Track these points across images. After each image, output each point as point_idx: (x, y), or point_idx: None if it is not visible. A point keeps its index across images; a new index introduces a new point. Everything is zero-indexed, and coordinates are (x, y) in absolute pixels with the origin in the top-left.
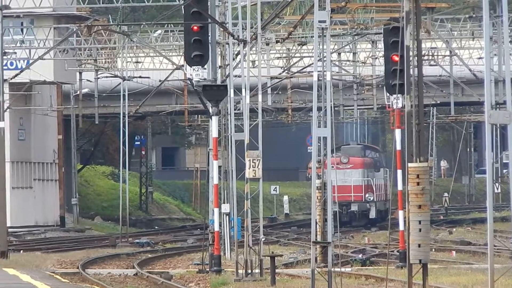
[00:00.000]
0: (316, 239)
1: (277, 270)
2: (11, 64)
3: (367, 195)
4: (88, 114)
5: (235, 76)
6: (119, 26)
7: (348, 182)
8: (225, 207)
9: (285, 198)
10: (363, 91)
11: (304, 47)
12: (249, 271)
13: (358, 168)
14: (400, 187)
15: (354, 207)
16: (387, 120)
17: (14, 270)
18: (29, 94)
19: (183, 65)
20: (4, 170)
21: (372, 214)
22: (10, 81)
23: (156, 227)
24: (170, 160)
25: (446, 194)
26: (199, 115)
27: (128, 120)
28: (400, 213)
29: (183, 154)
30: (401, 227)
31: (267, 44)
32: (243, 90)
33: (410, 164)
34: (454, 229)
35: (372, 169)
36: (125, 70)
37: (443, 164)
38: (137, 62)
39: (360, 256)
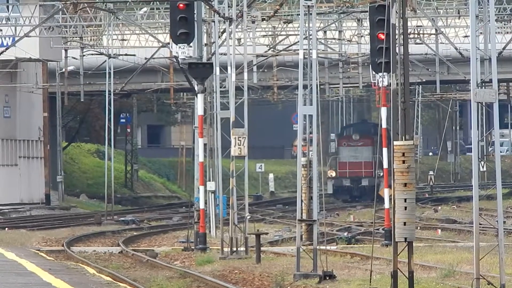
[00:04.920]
0: (301, 217)
1: (262, 248)
2: None
3: (377, 171)
4: (74, 92)
5: (221, 54)
6: (105, 3)
7: (359, 158)
8: (211, 185)
9: (271, 176)
10: (348, 69)
11: (290, 25)
12: (234, 249)
13: (369, 145)
14: (386, 165)
15: (364, 182)
16: (372, 99)
17: None
18: (15, 71)
19: (169, 43)
20: None
21: None
22: None
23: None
24: (156, 138)
25: (431, 172)
26: (185, 93)
27: (113, 97)
28: (386, 191)
29: (168, 132)
30: (387, 205)
31: (253, 22)
32: (229, 68)
33: (395, 142)
34: (440, 207)
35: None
36: (111, 47)
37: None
38: (122, 39)
39: (345, 234)
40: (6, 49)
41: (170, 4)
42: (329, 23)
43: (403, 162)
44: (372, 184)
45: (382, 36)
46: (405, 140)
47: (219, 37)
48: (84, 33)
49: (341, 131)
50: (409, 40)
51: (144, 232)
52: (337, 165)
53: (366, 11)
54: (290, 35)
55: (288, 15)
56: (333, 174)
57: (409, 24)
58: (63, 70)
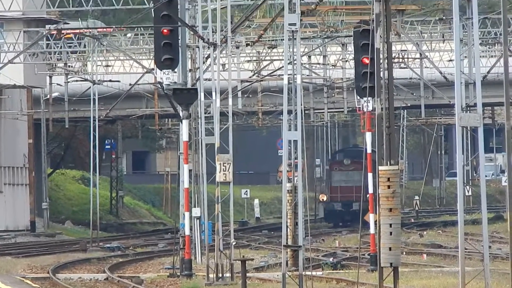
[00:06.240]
0: (287, 243)
1: (248, 274)
2: None
3: (368, 195)
4: (58, 118)
5: (205, 79)
6: (89, 29)
7: (350, 183)
8: (196, 211)
9: (256, 201)
10: (333, 94)
11: (274, 50)
12: (220, 275)
13: (360, 170)
14: (371, 190)
15: (356, 207)
16: (357, 123)
17: None
18: None
19: (153, 69)
20: None
21: None
22: None
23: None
24: (141, 164)
25: (417, 197)
26: (170, 119)
27: (98, 124)
28: (371, 216)
29: (153, 158)
30: (372, 231)
31: (237, 47)
32: (213, 93)
33: (380, 167)
34: (425, 232)
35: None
36: (95, 73)
37: None
38: (107, 65)
39: (331, 259)
40: None
41: (154, 30)
42: (313, 48)
43: (388, 187)
44: (363, 208)
45: (367, 61)
46: (390, 165)
47: (204, 62)
48: (69, 59)
49: (333, 156)
50: (393, 64)
51: (129, 259)
52: (328, 190)
53: (351, 36)
54: (275, 60)
55: (273, 40)
56: (325, 198)
57: (393, 48)
58: (48, 96)
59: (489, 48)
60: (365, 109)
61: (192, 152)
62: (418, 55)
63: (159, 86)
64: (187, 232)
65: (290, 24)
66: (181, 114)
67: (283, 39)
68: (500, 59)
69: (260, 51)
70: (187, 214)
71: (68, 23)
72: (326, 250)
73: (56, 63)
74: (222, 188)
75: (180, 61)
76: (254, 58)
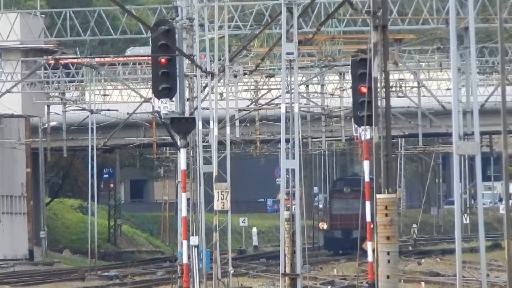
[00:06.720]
0: (285, 271)
1: None
2: None
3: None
4: (57, 147)
5: (203, 108)
6: (87, 58)
7: (350, 211)
8: (194, 240)
9: (254, 230)
10: (331, 123)
11: (272, 79)
12: None
13: (360, 198)
14: (369, 218)
15: (356, 234)
16: (355, 152)
17: None
18: None
19: (151, 98)
20: None
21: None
22: None
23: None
24: (139, 193)
25: (414, 225)
26: (168, 148)
27: (96, 153)
28: (369, 244)
29: (151, 187)
30: (370, 259)
31: (235, 76)
32: (211, 122)
33: (378, 196)
34: (423, 260)
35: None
36: (93, 103)
37: None
38: (105, 95)
39: (329, 287)
40: None
41: (152, 59)
42: (311, 77)
43: (386, 215)
44: (363, 235)
45: (364, 90)
46: (388, 193)
47: (201, 91)
48: (67, 88)
49: (333, 184)
50: (391, 93)
51: (128, 287)
52: (328, 218)
53: (348, 65)
54: (272, 89)
55: (270, 69)
56: (325, 226)
57: (391, 77)
58: (46, 125)
59: (486, 77)
60: (362, 138)
61: (190, 180)
62: (415, 84)
63: (157, 115)
64: (185, 260)
65: (287, 53)
66: (179, 143)
67: (281, 68)
68: (497, 88)
69: (257, 80)
70: (185, 242)
71: (65, 53)
72: (324, 278)
73: (54, 92)
74: (220, 217)
75: (177, 90)
76: (252, 87)
